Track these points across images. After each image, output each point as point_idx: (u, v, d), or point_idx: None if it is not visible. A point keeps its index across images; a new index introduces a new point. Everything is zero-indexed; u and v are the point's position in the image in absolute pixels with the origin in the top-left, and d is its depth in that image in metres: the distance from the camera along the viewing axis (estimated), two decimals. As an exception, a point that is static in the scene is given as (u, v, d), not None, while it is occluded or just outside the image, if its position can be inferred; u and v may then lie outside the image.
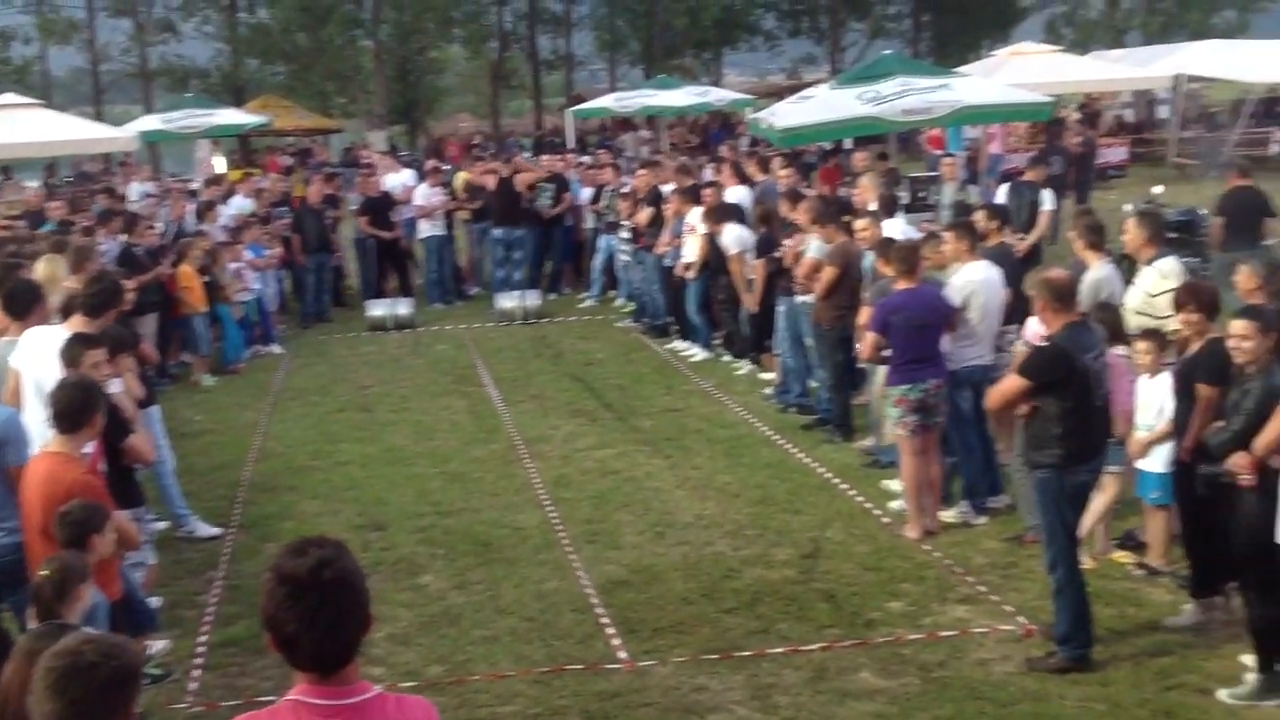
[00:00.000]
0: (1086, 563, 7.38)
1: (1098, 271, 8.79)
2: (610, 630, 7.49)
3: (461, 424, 12.41)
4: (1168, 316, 7.76)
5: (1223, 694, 6.33)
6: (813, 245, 11.06)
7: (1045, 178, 14.94)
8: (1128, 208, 14.56)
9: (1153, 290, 8.31)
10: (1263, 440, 5.83)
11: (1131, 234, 8.76)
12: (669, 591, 8.04)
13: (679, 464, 10.74)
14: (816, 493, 9.84)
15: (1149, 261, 8.58)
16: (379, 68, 44.47)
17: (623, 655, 7.17)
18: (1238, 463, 6.10)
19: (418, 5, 43.83)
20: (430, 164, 21.56)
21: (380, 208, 18.65)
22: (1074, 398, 6.63)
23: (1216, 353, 6.68)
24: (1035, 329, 7.87)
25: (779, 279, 11.94)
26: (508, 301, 17.61)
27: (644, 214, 15.66)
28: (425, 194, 18.65)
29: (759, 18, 53.09)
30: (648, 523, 9.33)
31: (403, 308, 17.62)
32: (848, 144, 21.29)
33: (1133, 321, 8.23)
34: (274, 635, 2.89)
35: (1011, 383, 6.81)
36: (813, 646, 7.13)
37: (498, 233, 18.51)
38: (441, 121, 51.69)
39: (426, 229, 18.56)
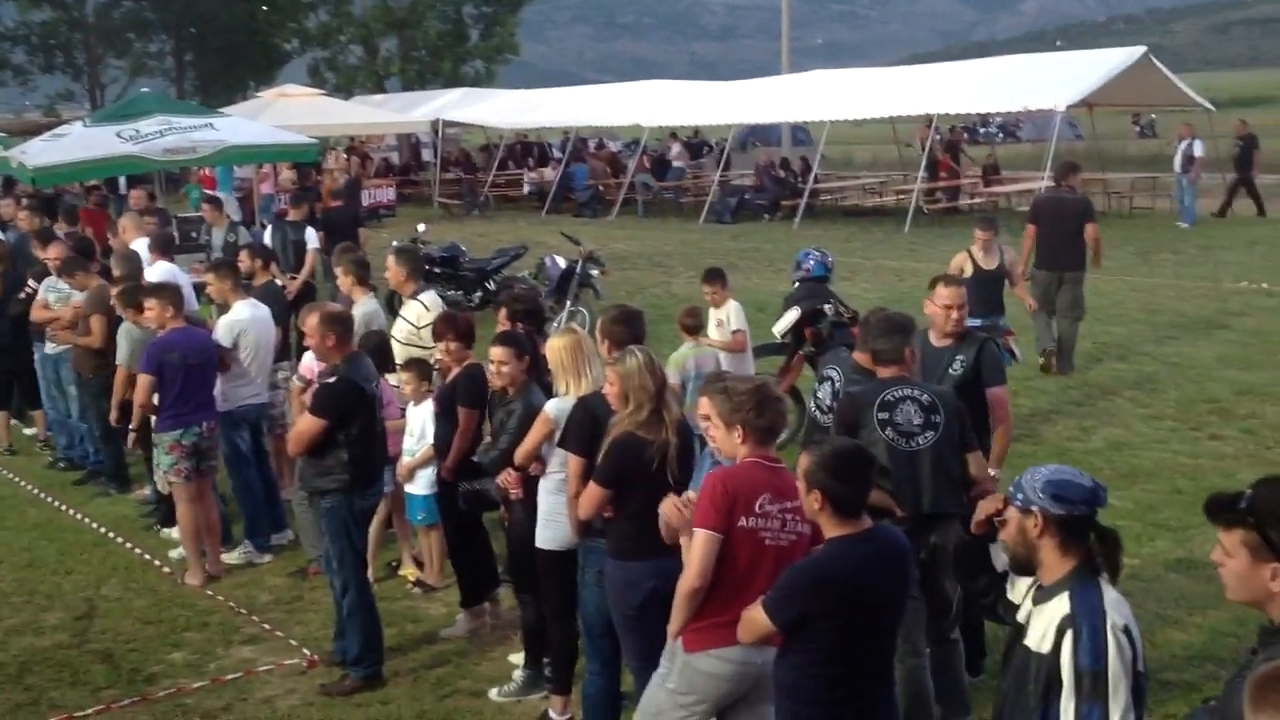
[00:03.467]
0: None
1: (365, 306, 9.12)
2: None
3: None
4: (435, 346, 8.24)
5: (493, 693, 6.79)
6: (65, 292, 10.49)
7: (307, 216, 15.12)
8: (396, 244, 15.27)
9: (418, 322, 8.75)
10: (521, 450, 6.30)
11: (392, 270, 9.15)
12: (-81, 677, 7.24)
13: (-72, 535, 9.72)
14: (90, 550, 9.30)
15: (411, 295, 9.03)
16: None
17: None
18: (506, 478, 6.57)
19: None
20: None
21: None
22: (360, 425, 6.86)
23: (474, 377, 7.19)
24: (310, 363, 8.01)
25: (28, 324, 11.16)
26: None
27: None
28: None
29: (6, 52, 49.59)
30: (-110, 604, 8.34)
31: None
32: (123, 183, 20.38)
33: (400, 353, 8.61)
34: None
35: (309, 423, 6.85)
36: (88, 711, 6.73)
37: None
38: None
39: None
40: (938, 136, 27.51)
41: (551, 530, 6.19)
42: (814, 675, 4.30)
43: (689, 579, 4.72)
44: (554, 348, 6.19)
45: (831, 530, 4.29)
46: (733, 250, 23.87)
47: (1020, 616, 3.81)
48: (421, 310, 8.85)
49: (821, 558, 4.32)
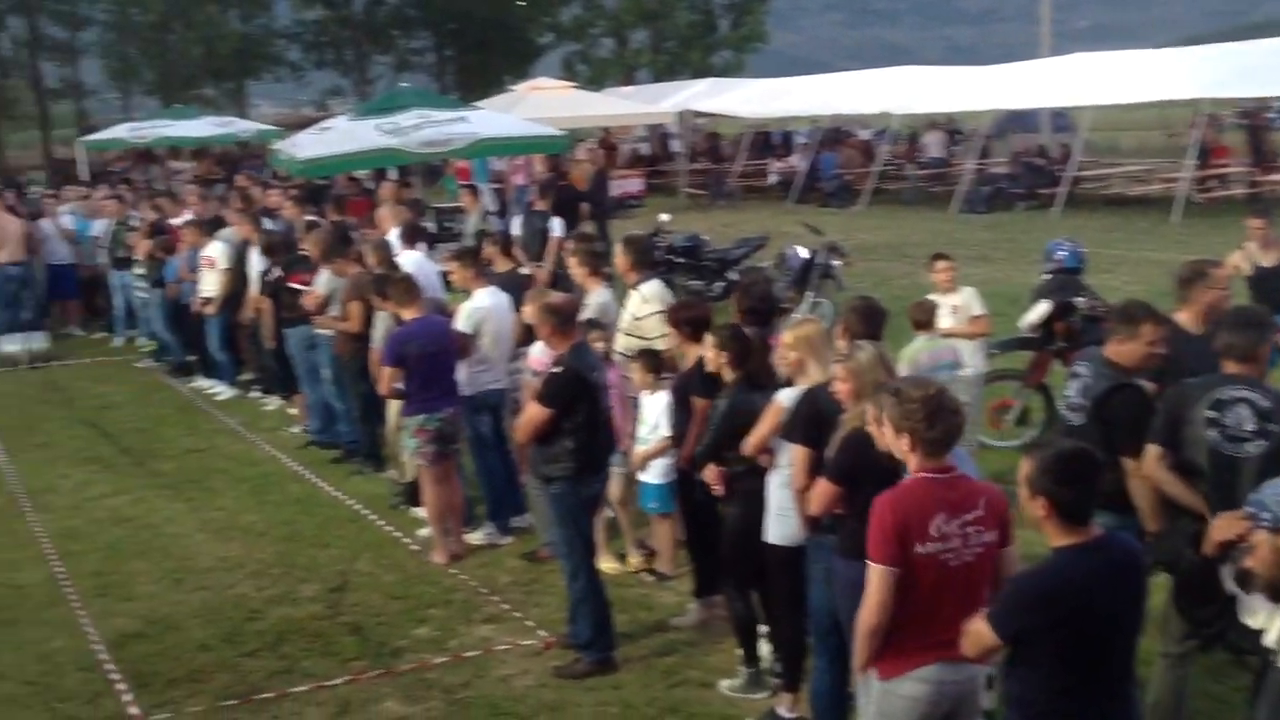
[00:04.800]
0: (604, 567, 7.77)
1: (598, 296, 9.16)
2: (121, 686, 7.09)
3: (-48, 479, 11.36)
4: (655, 337, 8.26)
5: (722, 685, 6.77)
6: (322, 278, 10.99)
7: (553, 205, 15.28)
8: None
9: (637, 313, 8.70)
10: (751, 440, 6.22)
11: (619, 259, 9.14)
12: (186, 640, 7.71)
13: (201, 506, 10.36)
14: (345, 525, 9.75)
15: (634, 285, 8.95)
16: None
17: (134, 711, 6.80)
18: (709, 474, 6.56)
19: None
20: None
21: None
22: (584, 413, 6.95)
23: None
24: (538, 354, 8.16)
25: (286, 309, 11.74)
26: (10, 345, 16.33)
27: (142, 246, 14.99)
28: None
29: (282, 49, 52.30)
30: (165, 570, 8.92)
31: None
32: (392, 174, 21.17)
33: (622, 343, 8.65)
34: None
35: (536, 412, 6.98)
36: (337, 681, 7.04)
37: (12, 270, 16.96)
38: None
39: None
40: (1242, 121, 25.76)
41: (782, 525, 6.14)
42: (1041, 687, 4.10)
43: (866, 617, 4.52)
44: (792, 338, 6.13)
45: (1058, 539, 4.06)
46: (985, 241, 23.16)
47: (1270, 641, 3.54)
48: (640, 300, 8.78)
49: (1047, 569, 4.10)
